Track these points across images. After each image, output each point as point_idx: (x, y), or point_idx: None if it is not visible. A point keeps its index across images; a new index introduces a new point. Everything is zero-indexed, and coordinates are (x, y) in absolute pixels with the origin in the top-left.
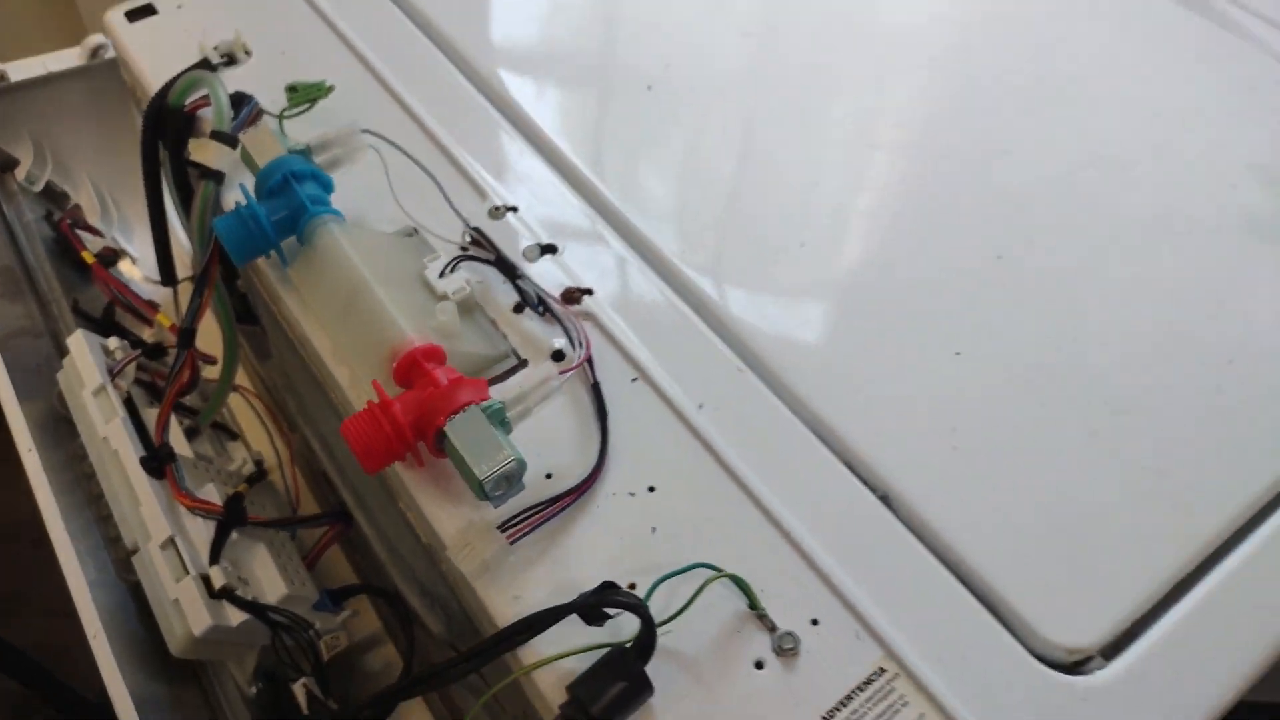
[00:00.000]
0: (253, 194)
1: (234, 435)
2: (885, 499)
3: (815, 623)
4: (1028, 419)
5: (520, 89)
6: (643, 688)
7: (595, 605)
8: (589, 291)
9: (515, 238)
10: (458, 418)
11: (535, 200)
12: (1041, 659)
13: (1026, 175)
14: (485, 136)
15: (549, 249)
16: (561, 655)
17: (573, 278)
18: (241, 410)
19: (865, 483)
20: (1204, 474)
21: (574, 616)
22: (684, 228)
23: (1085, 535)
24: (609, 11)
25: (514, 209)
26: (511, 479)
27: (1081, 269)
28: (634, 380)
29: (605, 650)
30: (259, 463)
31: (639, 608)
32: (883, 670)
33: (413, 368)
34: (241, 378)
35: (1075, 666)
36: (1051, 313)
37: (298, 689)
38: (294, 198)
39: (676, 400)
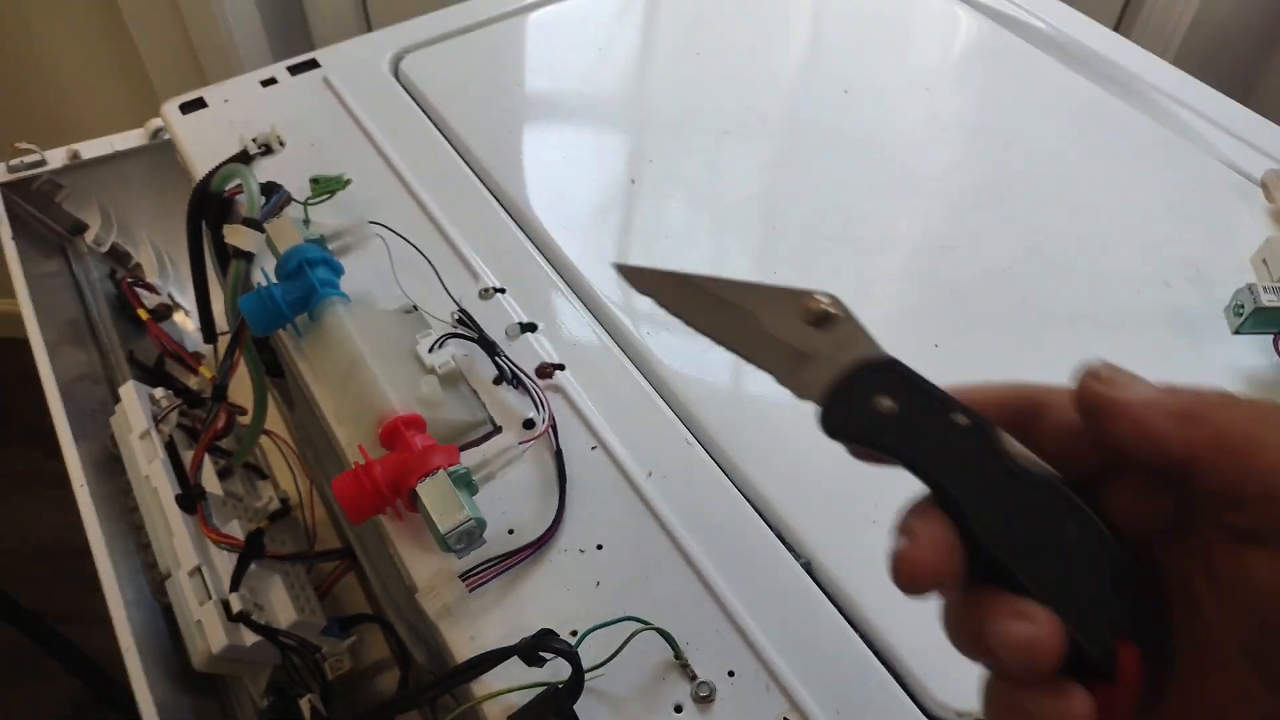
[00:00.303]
0: (273, 276)
1: (263, 475)
2: (807, 566)
3: (731, 674)
4: None
5: (515, 183)
6: None
7: (533, 649)
8: (560, 367)
9: (502, 316)
10: (427, 480)
11: (521, 281)
12: (931, 718)
13: (969, 269)
14: (482, 224)
15: (529, 327)
16: (506, 690)
17: (548, 354)
18: (272, 452)
19: (791, 550)
20: None
21: (517, 658)
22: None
23: None
24: (607, 115)
25: (502, 290)
26: (471, 536)
27: (1010, 359)
28: (593, 448)
29: (541, 689)
30: (284, 500)
31: (569, 654)
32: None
33: (395, 434)
34: (276, 423)
35: None
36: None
37: (304, 704)
38: (306, 281)
39: (628, 468)
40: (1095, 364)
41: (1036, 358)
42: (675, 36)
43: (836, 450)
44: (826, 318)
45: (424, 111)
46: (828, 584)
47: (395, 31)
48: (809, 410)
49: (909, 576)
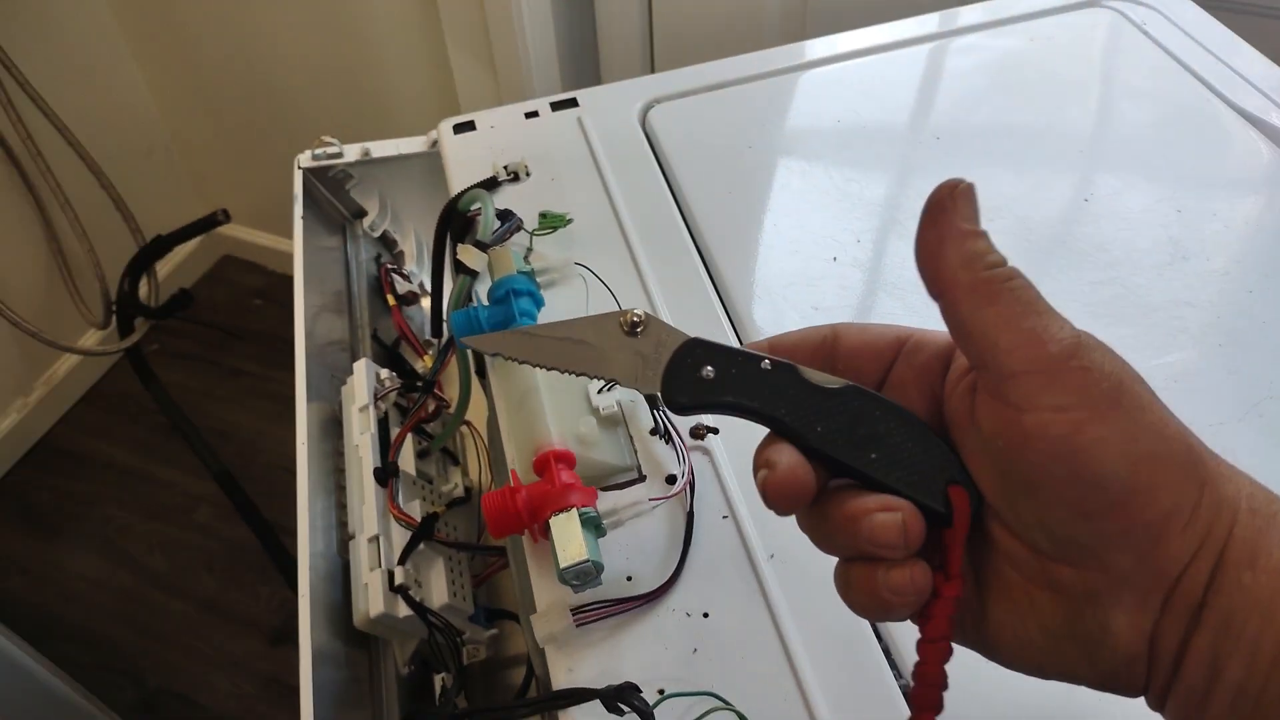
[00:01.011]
0: (485, 297)
1: (456, 461)
2: (906, 690)
3: None
4: None
5: (721, 243)
6: None
7: (613, 699)
8: (714, 430)
9: None
10: (560, 515)
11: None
12: None
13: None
14: (680, 279)
15: None
16: None
17: (707, 417)
18: (469, 444)
19: (896, 670)
20: None
21: (599, 702)
22: None
23: None
24: (829, 187)
25: None
26: (586, 575)
27: None
28: (724, 518)
29: None
30: (468, 489)
31: (646, 714)
32: None
33: (546, 464)
34: (480, 418)
35: None
36: None
37: (438, 679)
38: (509, 309)
39: (753, 545)
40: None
41: None
42: (931, 114)
43: None
44: (639, 324)
45: (658, 162)
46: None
47: (654, 80)
48: None
49: (778, 497)
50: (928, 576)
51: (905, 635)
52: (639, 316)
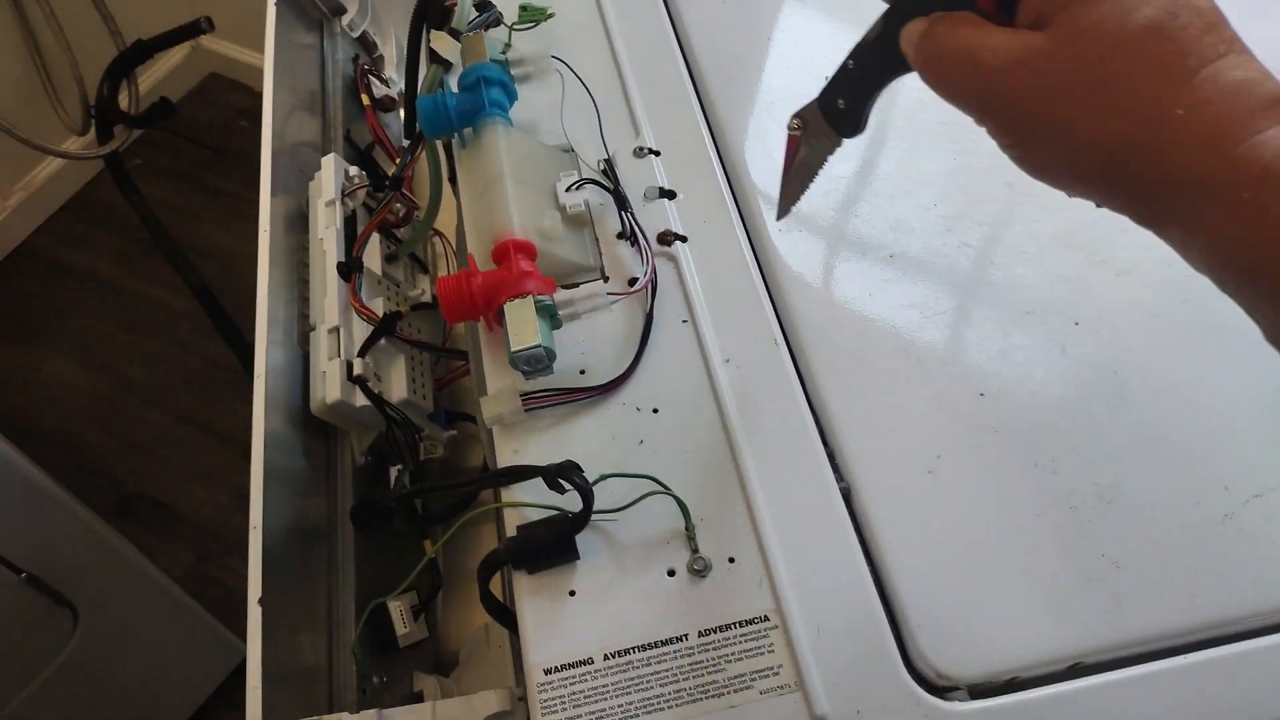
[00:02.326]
0: (454, 87)
1: (425, 270)
2: (846, 491)
3: (732, 560)
4: (1015, 468)
5: (710, 53)
6: (569, 550)
7: (554, 475)
8: (683, 238)
9: (647, 177)
10: (516, 301)
11: (678, 149)
12: (911, 670)
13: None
14: (662, 85)
15: (668, 194)
16: (525, 504)
17: (676, 224)
18: (440, 254)
19: (836, 471)
20: (1157, 585)
21: (541, 479)
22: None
23: (1011, 588)
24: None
25: (656, 153)
26: (537, 361)
27: (1130, 364)
28: (684, 321)
29: (554, 513)
30: (434, 296)
31: (585, 490)
32: (766, 619)
33: (505, 253)
34: (450, 227)
35: (938, 690)
36: (1088, 382)
37: (393, 471)
38: (478, 97)
39: (710, 349)
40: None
41: (1154, 371)
42: None
43: (925, 385)
44: None
45: None
46: (860, 514)
47: None
48: (911, 339)
49: None
50: None
51: (852, 443)
52: None
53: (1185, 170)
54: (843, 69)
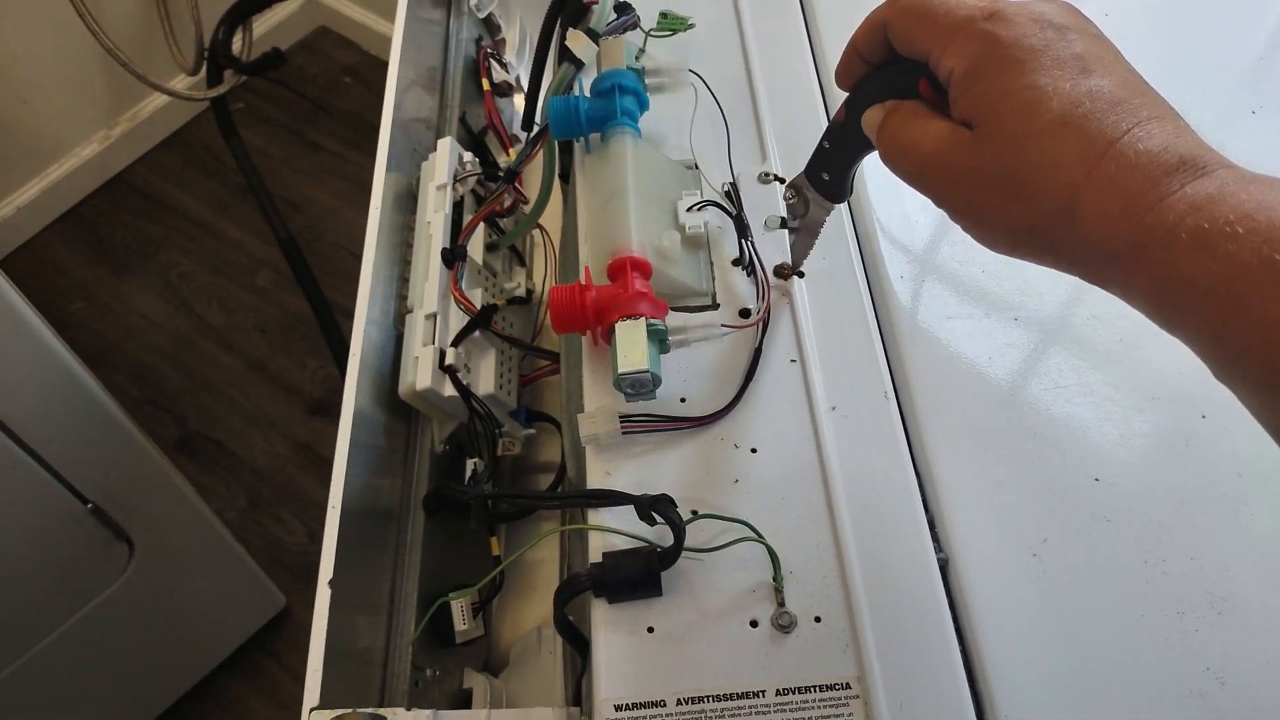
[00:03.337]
0: (587, 92)
1: (523, 263)
2: (944, 563)
3: (818, 620)
4: (1124, 562)
5: None
6: (653, 586)
7: (647, 507)
8: (800, 274)
9: (770, 204)
10: (627, 321)
11: None
12: None
13: None
14: (796, 110)
15: (788, 225)
16: (614, 530)
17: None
18: (540, 248)
19: (936, 540)
20: (1263, 708)
21: (632, 508)
22: (917, 253)
23: (1107, 690)
24: None
25: (781, 180)
26: (641, 385)
27: (1256, 468)
28: (792, 361)
29: (641, 545)
30: (530, 291)
31: (678, 526)
32: (848, 686)
33: (620, 270)
34: (555, 223)
35: None
36: (1210, 481)
37: (469, 464)
38: (611, 104)
39: (816, 393)
40: None
41: None
42: None
43: (1038, 463)
44: None
45: None
46: (956, 590)
47: None
48: (1027, 411)
49: None
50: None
51: (955, 513)
52: None
53: (1106, 243)
54: (820, 148)
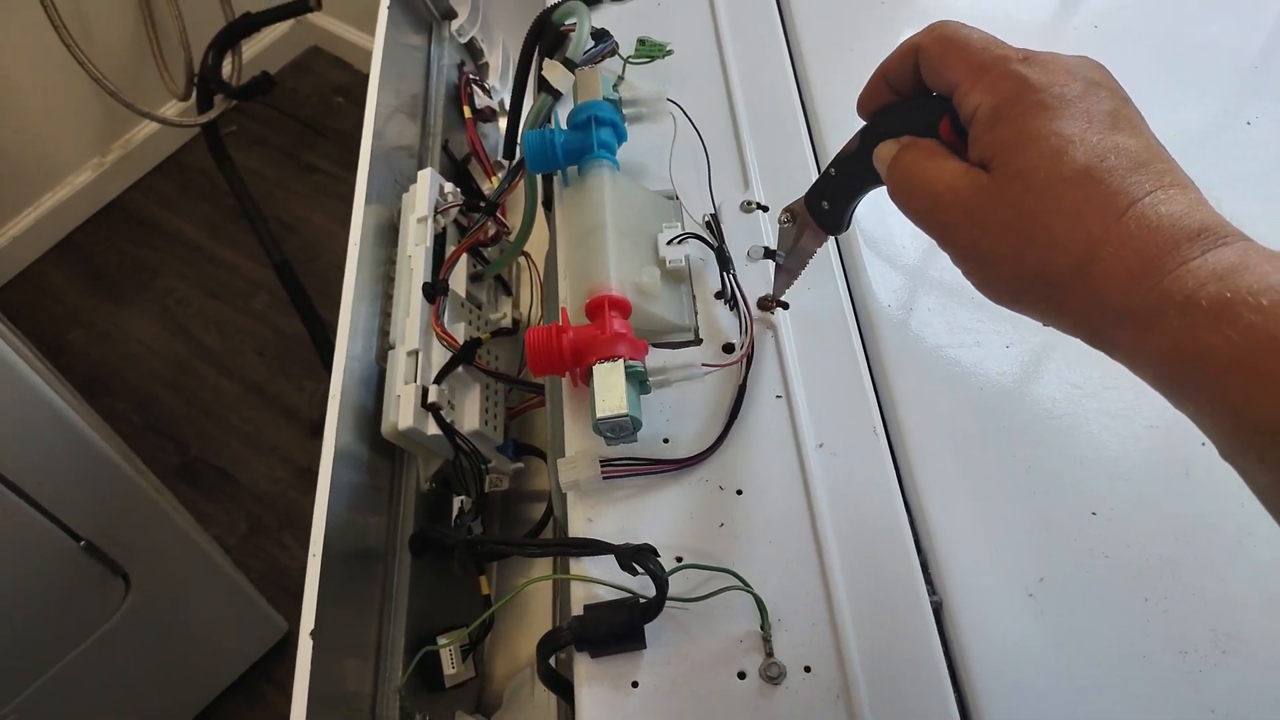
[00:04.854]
0: (564, 123)
1: (509, 292)
2: (937, 606)
3: (808, 669)
4: (1124, 600)
5: (831, 107)
6: (635, 639)
7: (629, 557)
8: (784, 305)
9: (753, 233)
10: (605, 364)
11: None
12: None
13: None
14: (778, 138)
15: (773, 254)
16: (596, 580)
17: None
18: (525, 275)
19: (929, 582)
20: None
21: (614, 557)
22: (905, 282)
23: None
24: None
25: (765, 209)
26: (621, 429)
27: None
28: (777, 397)
29: (625, 595)
30: (516, 322)
31: (660, 579)
32: None
33: (599, 309)
34: (541, 249)
35: None
36: (1214, 513)
37: (456, 501)
38: (587, 137)
39: (802, 430)
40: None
41: None
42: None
43: (1033, 501)
44: None
45: (778, 5)
46: (950, 633)
47: None
48: (1016, 455)
49: None
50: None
51: (948, 553)
52: None
53: (1120, 302)
54: (825, 175)
